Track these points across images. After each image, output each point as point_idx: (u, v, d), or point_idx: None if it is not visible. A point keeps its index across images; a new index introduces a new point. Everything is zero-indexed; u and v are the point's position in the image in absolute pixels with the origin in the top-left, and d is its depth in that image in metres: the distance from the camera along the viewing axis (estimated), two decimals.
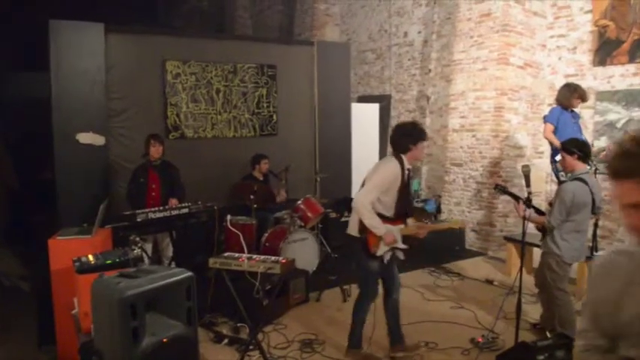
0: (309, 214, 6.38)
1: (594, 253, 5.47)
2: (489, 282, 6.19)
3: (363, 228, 3.98)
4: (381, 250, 4.01)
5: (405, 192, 4.10)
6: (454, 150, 8.22)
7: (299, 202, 6.45)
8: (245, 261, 3.63)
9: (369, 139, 8.72)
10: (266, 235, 6.27)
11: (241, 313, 3.76)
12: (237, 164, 7.15)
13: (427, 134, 4.22)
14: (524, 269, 4.55)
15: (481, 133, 7.78)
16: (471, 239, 7.84)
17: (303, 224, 6.42)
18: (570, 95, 6.01)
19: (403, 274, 6.51)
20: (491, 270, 6.78)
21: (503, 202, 7.48)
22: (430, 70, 9.63)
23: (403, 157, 4.04)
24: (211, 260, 3.74)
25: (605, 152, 6.08)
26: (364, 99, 10.88)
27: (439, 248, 7.30)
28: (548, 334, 4.17)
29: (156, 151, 5.46)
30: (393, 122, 10.53)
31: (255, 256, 3.80)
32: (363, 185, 4.09)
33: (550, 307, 4.62)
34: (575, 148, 4.50)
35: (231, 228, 4.47)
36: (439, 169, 9.03)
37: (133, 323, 2.28)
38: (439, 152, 9.13)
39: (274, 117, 7.71)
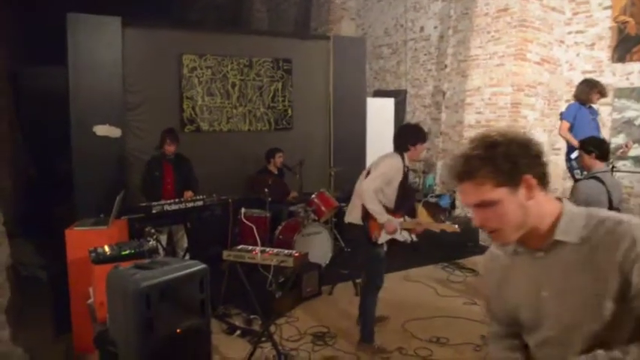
0: (323, 208, 6.40)
1: None
2: None
3: (365, 215, 4.13)
4: (382, 237, 4.16)
5: (404, 187, 4.32)
6: None
7: (313, 195, 6.48)
8: (258, 254, 3.66)
9: (384, 134, 8.65)
10: (280, 227, 6.30)
11: (254, 305, 3.79)
12: (252, 158, 7.19)
13: (427, 137, 4.43)
14: None
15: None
16: (484, 235, 7.80)
17: (317, 218, 6.44)
18: (590, 90, 5.95)
19: (416, 269, 6.59)
20: None
21: None
22: (446, 66, 9.59)
23: (405, 154, 4.27)
24: (225, 253, 3.78)
25: (622, 150, 6.02)
26: (380, 93, 10.86)
27: (452, 244, 7.27)
28: None
29: (169, 148, 5.51)
30: (409, 117, 10.52)
31: (268, 249, 3.83)
32: (366, 176, 4.26)
33: None
34: (592, 146, 4.48)
35: (245, 221, 4.49)
36: None
37: (148, 314, 2.32)
38: (454, 148, 9.10)
39: (289, 111, 7.73)
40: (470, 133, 8.16)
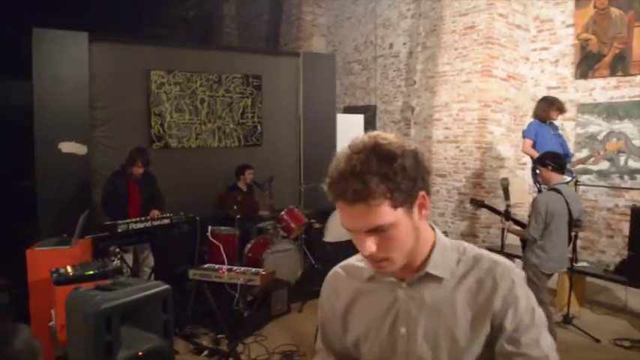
0: (293, 225, 6.37)
1: (574, 265, 5.51)
2: None
3: None
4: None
5: None
6: (438, 161, 8.26)
7: (282, 212, 6.45)
8: (225, 273, 3.62)
9: None
10: (249, 245, 6.25)
11: (221, 324, 3.73)
12: (222, 174, 7.14)
13: None
14: None
15: (464, 145, 7.83)
16: None
17: (286, 235, 6.41)
18: (548, 108, 6.08)
19: None
20: None
21: (485, 214, 7.51)
22: (415, 82, 9.69)
23: None
24: (191, 271, 3.73)
25: (593, 158, 6.14)
26: (350, 109, 10.92)
27: None
28: None
29: (138, 171, 5.35)
30: None
31: (235, 268, 3.79)
32: None
33: None
34: (548, 159, 4.59)
35: (212, 239, 4.43)
36: None
37: (108, 337, 2.26)
38: None
39: (259, 127, 7.71)
40: (438, 149, 8.25)
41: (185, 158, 7.13)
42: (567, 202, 4.43)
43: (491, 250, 5.09)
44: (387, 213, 1.20)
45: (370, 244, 1.24)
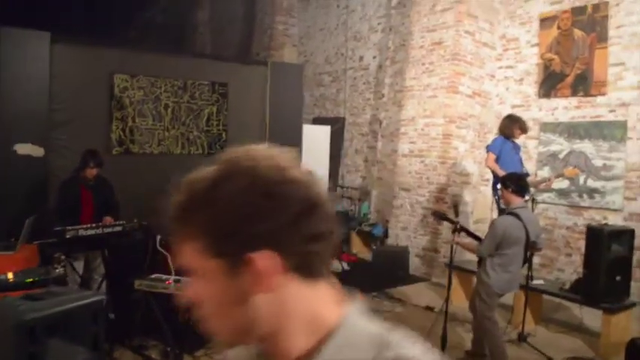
0: None
1: (530, 282, 5.54)
2: (430, 309, 6.20)
3: None
4: None
5: None
6: (403, 175, 8.28)
7: None
8: (172, 284, 3.53)
9: (319, 161, 8.71)
10: None
11: (167, 336, 3.63)
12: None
13: None
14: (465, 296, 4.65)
15: (429, 159, 7.87)
16: (415, 264, 7.86)
17: None
18: (512, 125, 6.14)
19: None
20: (433, 296, 6.80)
21: (447, 229, 7.54)
22: (383, 95, 9.73)
23: None
24: (137, 282, 3.63)
25: (545, 183, 6.23)
26: (319, 121, 10.92)
27: (383, 273, 7.32)
28: None
29: (91, 173, 5.21)
30: (346, 145, 10.60)
31: (183, 279, 3.70)
32: None
33: (479, 333, 4.70)
34: (510, 181, 4.62)
35: (160, 249, 4.29)
36: (388, 193, 9.07)
37: (31, 348, 2.16)
38: (389, 177, 9.19)
39: (224, 135, 7.63)
40: (403, 162, 8.28)
41: (146, 165, 6.98)
42: (526, 228, 4.47)
43: (454, 267, 5.10)
44: (191, 254, 0.87)
45: (187, 283, 0.92)
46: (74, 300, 2.38)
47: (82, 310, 2.36)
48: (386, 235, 8.57)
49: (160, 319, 3.61)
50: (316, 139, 8.81)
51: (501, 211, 5.43)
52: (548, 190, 7.35)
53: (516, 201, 4.61)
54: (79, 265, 5.10)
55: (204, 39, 14.74)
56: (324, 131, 9.16)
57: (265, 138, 7.96)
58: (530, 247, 4.67)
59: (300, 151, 8.17)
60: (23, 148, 6.13)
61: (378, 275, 7.25)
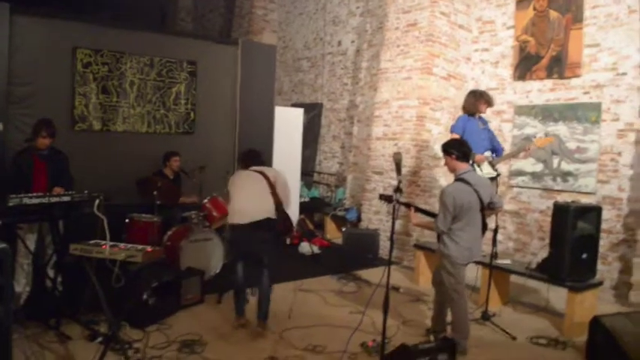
0: (215, 214, 6.13)
1: (495, 261, 5.43)
2: (395, 289, 6.07)
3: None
4: None
5: None
6: (376, 158, 8.15)
7: (205, 200, 6.22)
8: (107, 248, 3.38)
9: (291, 143, 8.55)
10: (169, 233, 6.00)
11: (103, 307, 3.47)
12: (150, 161, 6.84)
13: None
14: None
15: (402, 142, 7.73)
16: (386, 248, 7.70)
17: (208, 224, 6.17)
18: (476, 101, 6.01)
19: (311, 279, 6.40)
20: (401, 278, 6.68)
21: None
22: (360, 79, 9.59)
23: None
24: (72, 246, 3.47)
25: (524, 153, 6.06)
26: (297, 107, 10.76)
27: (352, 256, 7.19)
28: (432, 338, 4.06)
29: (43, 142, 5.00)
30: (324, 131, 10.46)
31: (121, 245, 3.56)
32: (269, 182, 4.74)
33: (442, 309, 4.57)
34: (452, 148, 4.49)
35: (97, 212, 3.92)
36: (363, 177, 8.94)
37: None
38: (364, 161, 9.06)
39: (192, 115, 7.45)
40: (376, 146, 8.14)
41: (110, 142, 6.80)
42: (477, 191, 4.34)
43: (419, 247, 5.01)
44: None
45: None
46: None
47: None
48: (359, 219, 8.44)
49: (97, 285, 3.45)
50: (289, 121, 8.64)
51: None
52: (523, 173, 7.25)
53: (462, 167, 4.48)
54: (31, 238, 4.90)
55: (185, 25, 14.57)
56: (298, 114, 8.99)
57: (235, 119, 7.81)
58: (488, 208, 4.54)
59: (271, 134, 8.03)
60: None
61: (347, 258, 7.12)
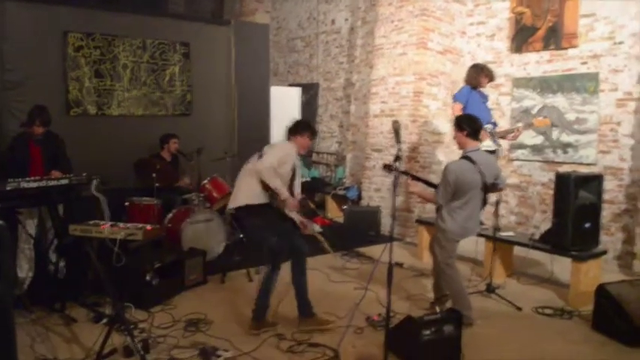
0: (216, 194, 6.10)
1: (498, 233, 5.41)
2: (399, 265, 6.06)
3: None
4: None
5: (293, 176, 4.44)
6: (375, 135, 8.10)
7: (205, 181, 6.18)
8: (107, 228, 3.34)
9: (288, 123, 8.47)
10: (170, 216, 5.96)
11: (105, 285, 3.44)
12: (147, 144, 6.80)
13: (312, 134, 4.55)
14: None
15: (400, 118, 7.65)
16: (388, 225, 7.68)
17: (209, 205, 6.14)
18: (478, 75, 5.97)
19: (314, 258, 6.35)
20: (404, 254, 6.67)
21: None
22: (356, 57, 9.51)
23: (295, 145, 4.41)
24: (71, 227, 3.44)
25: (513, 134, 6.08)
26: (293, 87, 10.69)
27: (354, 233, 7.17)
28: (437, 309, 4.05)
29: (38, 130, 4.93)
30: (321, 111, 10.39)
31: (121, 224, 3.52)
32: (259, 158, 4.27)
33: (439, 281, 4.58)
34: (465, 124, 4.45)
35: (95, 193, 3.85)
36: (362, 156, 8.90)
37: None
38: (362, 139, 9.00)
39: (188, 96, 7.38)
40: (375, 123, 8.09)
41: (106, 126, 6.75)
42: (481, 171, 4.31)
43: (421, 222, 4.98)
44: None
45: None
46: None
47: None
48: (360, 197, 8.41)
49: (98, 266, 3.41)
50: (286, 101, 8.57)
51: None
52: (523, 146, 7.22)
53: (471, 144, 4.45)
54: (31, 224, 4.86)
55: (177, 8, 14.37)
56: (294, 93, 8.92)
57: (232, 100, 7.74)
58: (491, 189, 4.52)
59: (268, 114, 7.98)
60: None
61: (349, 236, 7.09)
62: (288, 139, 4.41)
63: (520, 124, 6.11)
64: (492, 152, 5.77)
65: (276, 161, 4.20)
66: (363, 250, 6.73)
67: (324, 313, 4.49)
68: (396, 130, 3.40)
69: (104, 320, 4.18)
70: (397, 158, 3.33)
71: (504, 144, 6.68)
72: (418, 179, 4.69)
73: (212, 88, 7.61)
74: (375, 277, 5.13)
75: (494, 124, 6.14)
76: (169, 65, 7.19)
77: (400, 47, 7.68)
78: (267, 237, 4.22)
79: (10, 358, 2.26)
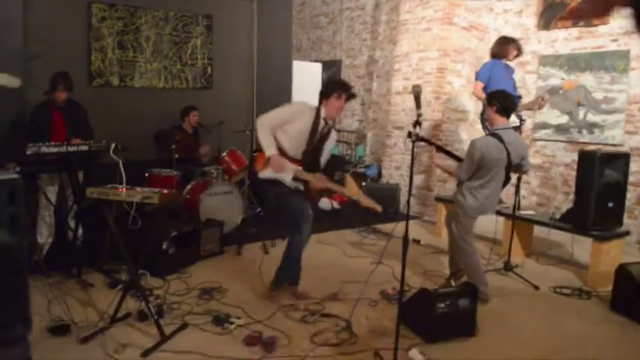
0: (234, 167, 6.11)
1: (518, 212, 5.32)
2: (416, 242, 6.02)
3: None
4: (264, 173, 4.01)
5: (312, 142, 4.07)
6: (396, 113, 8.01)
7: (223, 154, 6.18)
8: (124, 191, 3.36)
9: (310, 98, 8.39)
10: (188, 187, 5.99)
11: (120, 248, 3.46)
12: (168, 116, 6.79)
13: (343, 92, 4.09)
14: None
15: (423, 95, 7.52)
16: (404, 202, 7.63)
17: (228, 177, 6.15)
18: (507, 44, 5.83)
19: (330, 233, 6.37)
20: (422, 232, 6.62)
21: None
22: (380, 34, 9.39)
23: (321, 109, 4.08)
24: (89, 190, 3.46)
25: (539, 104, 5.87)
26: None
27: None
28: (453, 283, 4.00)
29: (60, 96, 4.98)
30: None
31: (137, 188, 3.54)
32: None
33: (455, 256, 4.53)
34: (495, 99, 4.34)
35: (113, 155, 3.81)
36: (383, 134, 8.82)
37: None
38: (384, 117, 8.91)
39: (209, 69, 7.37)
40: (397, 100, 7.99)
41: (128, 98, 6.77)
42: (507, 150, 4.21)
43: (440, 199, 4.89)
44: None
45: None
46: None
47: None
48: (380, 175, 8.35)
49: (114, 230, 3.44)
50: (307, 76, 8.52)
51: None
52: (547, 126, 7.07)
53: (500, 121, 4.34)
54: (52, 190, 4.93)
55: None
56: (316, 68, 8.85)
57: (253, 74, 7.71)
58: (515, 169, 4.44)
59: (289, 89, 7.93)
60: None
61: (367, 212, 7.03)
62: (320, 103, 4.12)
63: (545, 93, 5.90)
64: (516, 129, 5.64)
65: (277, 117, 4.03)
66: (380, 226, 6.69)
67: (337, 287, 4.50)
68: (417, 95, 3.31)
69: (120, 286, 4.23)
70: (417, 124, 3.25)
71: (527, 123, 6.55)
72: (444, 151, 4.58)
73: (233, 62, 7.58)
74: (391, 253, 5.12)
75: (519, 97, 5.99)
76: (191, 38, 7.17)
77: (425, 23, 7.54)
78: (294, 202, 4.12)
79: (22, 312, 2.28)
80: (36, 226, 4.91)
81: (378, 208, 3.99)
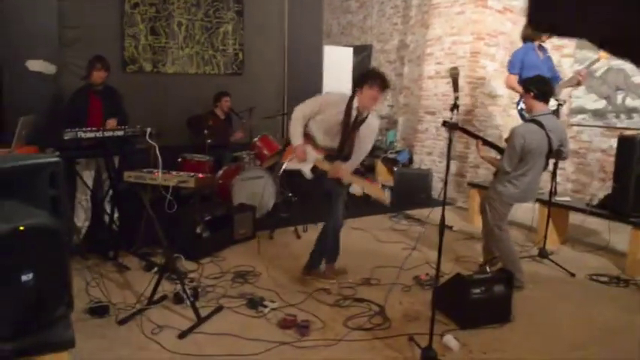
0: (266, 152, 6.13)
1: (554, 198, 5.22)
2: (448, 227, 5.96)
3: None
4: (289, 164, 4.08)
5: (346, 131, 4.04)
6: (428, 98, 7.92)
7: (255, 139, 6.20)
8: (159, 175, 3.40)
9: (341, 83, 8.39)
10: (220, 172, 6.03)
11: (161, 239, 3.50)
12: (200, 102, 6.85)
13: (375, 82, 3.96)
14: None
15: None
16: (439, 188, 7.57)
17: (260, 163, 6.17)
18: None
19: (364, 218, 6.36)
20: (455, 218, 6.55)
21: (474, 153, 7.20)
22: (411, 18, 9.27)
23: (355, 99, 4.01)
24: (126, 174, 3.52)
25: (578, 80, 5.64)
26: None
27: (404, 195, 7.09)
28: (488, 269, 3.96)
29: (99, 75, 5.06)
30: None
31: (173, 172, 3.58)
32: None
33: (489, 243, 4.47)
34: (531, 85, 4.26)
35: (149, 140, 3.79)
36: (414, 119, 8.73)
37: None
38: (415, 102, 8.82)
39: (240, 55, 7.38)
40: (428, 85, 7.89)
41: (161, 84, 6.82)
42: (548, 136, 4.13)
43: (474, 185, 4.82)
44: None
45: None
46: (24, 159, 2.24)
47: (34, 171, 2.21)
48: (411, 161, 8.29)
49: (151, 213, 3.48)
50: (338, 61, 8.47)
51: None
52: (584, 111, 6.91)
53: (539, 107, 4.26)
54: (88, 175, 5.01)
55: None
56: (347, 53, 8.79)
57: (284, 60, 7.70)
58: (555, 155, 4.36)
59: (320, 74, 7.90)
60: (35, 65, 6.03)
61: (399, 198, 7.02)
62: (353, 93, 4.05)
63: (581, 68, 5.70)
64: (554, 112, 5.51)
65: (308, 108, 4.07)
66: (412, 212, 6.65)
67: (369, 272, 4.51)
68: (454, 78, 3.25)
69: (155, 269, 4.30)
70: (454, 107, 3.19)
71: (563, 108, 6.40)
72: (486, 142, 4.51)
73: (264, 47, 7.58)
74: (423, 239, 5.10)
75: (559, 78, 5.82)
76: (222, 23, 7.18)
77: (458, 6, 7.41)
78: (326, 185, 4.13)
79: (65, 293, 2.32)
80: (74, 210, 5.01)
81: (386, 200, 4.10)
